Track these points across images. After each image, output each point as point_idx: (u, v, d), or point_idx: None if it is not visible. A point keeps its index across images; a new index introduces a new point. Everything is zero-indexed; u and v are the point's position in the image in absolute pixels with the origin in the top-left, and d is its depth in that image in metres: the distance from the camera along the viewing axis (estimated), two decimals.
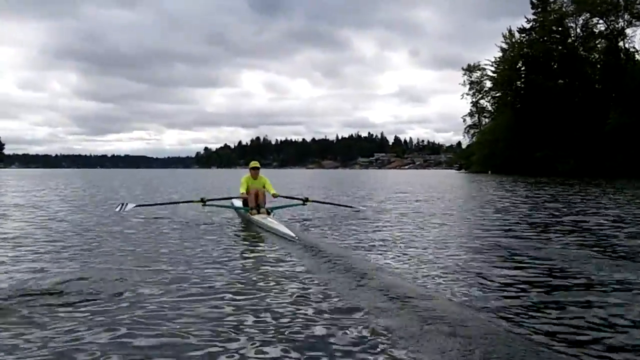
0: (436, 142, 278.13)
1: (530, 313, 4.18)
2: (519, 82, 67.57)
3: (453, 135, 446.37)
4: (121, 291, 4.71)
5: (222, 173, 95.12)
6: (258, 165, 11.38)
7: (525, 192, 22.62)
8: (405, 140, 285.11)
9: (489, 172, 58.11)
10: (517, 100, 67.01)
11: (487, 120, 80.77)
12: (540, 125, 59.38)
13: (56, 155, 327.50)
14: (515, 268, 5.99)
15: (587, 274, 5.57)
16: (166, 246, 7.50)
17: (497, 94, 74.50)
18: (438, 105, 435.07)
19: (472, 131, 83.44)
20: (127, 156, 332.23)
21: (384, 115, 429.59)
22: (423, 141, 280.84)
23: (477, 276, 5.50)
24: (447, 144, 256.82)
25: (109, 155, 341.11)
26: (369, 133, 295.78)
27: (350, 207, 13.51)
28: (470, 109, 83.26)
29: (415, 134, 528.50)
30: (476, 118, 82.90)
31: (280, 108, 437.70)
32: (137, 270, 5.69)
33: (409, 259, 6.48)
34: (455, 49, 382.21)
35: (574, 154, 55.50)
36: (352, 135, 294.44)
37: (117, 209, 12.16)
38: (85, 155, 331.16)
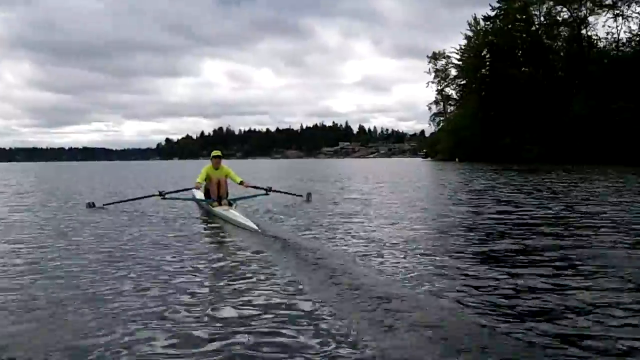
0: (400, 130, 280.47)
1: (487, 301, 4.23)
2: (484, 70, 67.72)
3: (416, 123, 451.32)
4: (76, 292, 4.60)
5: (184, 164, 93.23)
6: (220, 154, 11.14)
7: (484, 180, 22.56)
8: (369, 129, 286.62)
9: (457, 159, 58.08)
10: (482, 88, 67.20)
11: (452, 108, 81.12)
12: (505, 112, 59.70)
13: (10, 149, 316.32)
14: (476, 255, 6.12)
15: (552, 260, 5.68)
16: (123, 244, 7.21)
17: (462, 82, 74.76)
18: (401, 94, 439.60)
19: (437, 119, 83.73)
20: (85, 148, 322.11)
21: (347, 105, 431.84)
22: (387, 130, 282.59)
23: (441, 267, 5.48)
24: (411, 133, 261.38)
25: (67, 147, 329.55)
26: (334, 122, 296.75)
27: (299, 195, 13.38)
28: (436, 97, 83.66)
29: (378, 122, 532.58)
30: (441, 106, 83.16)
31: (243, 98, 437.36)
32: (92, 270, 5.52)
33: (377, 250, 6.43)
34: (418, 38, 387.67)
35: (539, 141, 55.83)
36: (316, 124, 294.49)
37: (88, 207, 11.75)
38: (42, 148, 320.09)
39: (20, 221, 10.00)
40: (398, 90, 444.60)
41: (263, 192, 11.77)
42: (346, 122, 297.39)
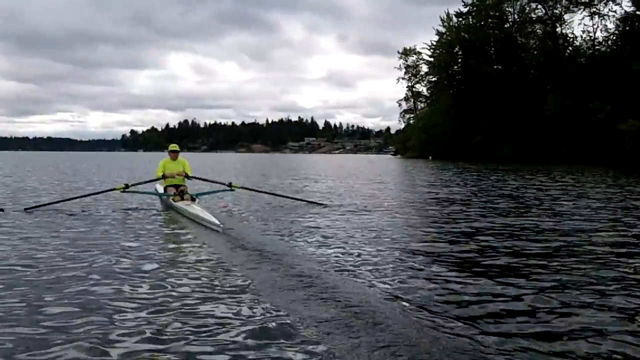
0: (365, 127, 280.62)
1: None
2: (456, 67, 66.70)
3: (381, 120, 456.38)
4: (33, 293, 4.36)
5: (149, 156, 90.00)
6: (177, 147, 11.27)
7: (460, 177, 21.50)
8: (335, 125, 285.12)
9: (430, 157, 56.61)
10: (454, 85, 66.26)
11: (422, 105, 79.97)
12: (477, 110, 58.87)
13: None
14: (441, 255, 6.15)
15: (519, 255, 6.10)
16: (82, 241, 6.86)
17: (434, 79, 73.59)
18: (366, 91, 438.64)
19: (407, 116, 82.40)
20: (49, 138, 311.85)
21: (312, 100, 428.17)
22: (353, 126, 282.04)
23: (408, 269, 5.45)
24: (376, 129, 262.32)
25: (31, 137, 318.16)
26: (299, 117, 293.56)
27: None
28: (406, 94, 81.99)
29: (344, 118, 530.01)
30: (412, 103, 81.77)
31: (208, 91, 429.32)
32: (43, 272, 5.14)
33: (341, 251, 6.39)
34: (383, 34, 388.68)
35: (513, 140, 55.08)
36: (282, 119, 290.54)
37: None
38: (5, 137, 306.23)
39: None
40: (363, 86, 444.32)
41: (226, 187, 11.48)
42: (312, 118, 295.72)
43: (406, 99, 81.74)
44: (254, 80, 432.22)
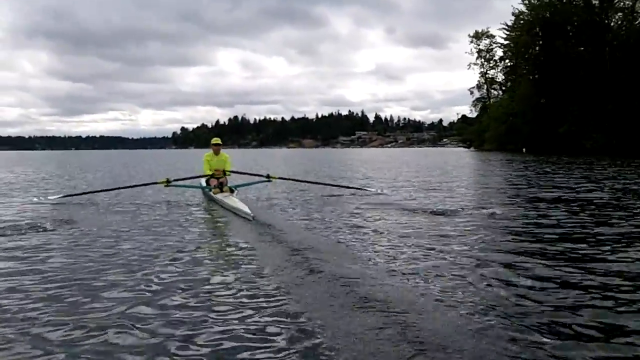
0: (415, 119, 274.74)
1: None
2: (537, 49, 60.45)
3: (430, 113, 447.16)
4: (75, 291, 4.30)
5: (200, 153, 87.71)
6: (219, 141, 11.67)
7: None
8: (385, 118, 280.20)
9: (524, 150, 50.52)
10: (534, 69, 60.19)
11: (496, 92, 73.90)
12: (564, 97, 52.71)
13: (29, 137, 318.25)
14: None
15: None
16: (122, 233, 7.14)
17: (510, 64, 67.57)
18: (414, 83, 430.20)
19: (479, 104, 76.39)
20: (102, 137, 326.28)
21: (360, 94, 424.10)
22: (405, 119, 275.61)
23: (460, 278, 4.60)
24: (427, 122, 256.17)
25: (84, 136, 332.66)
26: (349, 111, 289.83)
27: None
28: (478, 81, 76.01)
29: (392, 112, 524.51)
30: (485, 90, 75.71)
31: (256, 87, 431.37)
32: (81, 265, 5.22)
33: (385, 251, 5.71)
34: (431, 27, 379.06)
35: (606, 129, 49.02)
36: (332, 113, 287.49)
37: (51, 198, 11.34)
38: (60, 137, 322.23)
39: None
40: (411, 79, 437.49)
41: (264, 178, 11.89)
42: (362, 111, 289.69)
43: (478, 86, 75.86)
44: (302, 75, 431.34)
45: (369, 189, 12.45)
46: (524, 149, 50.89)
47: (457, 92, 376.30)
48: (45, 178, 20.64)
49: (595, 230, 6.84)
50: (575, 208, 9.15)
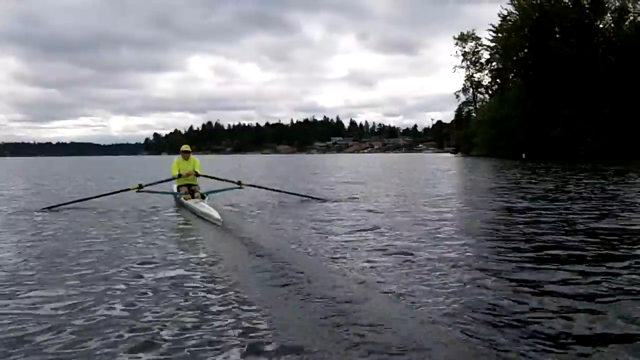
0: (389, 125, 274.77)
1: None
2: (525, 51, 58.52)
3: (403, 119, 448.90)
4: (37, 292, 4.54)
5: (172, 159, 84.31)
6: (188, 148, 12.01)
7: None
8: (360, 124, 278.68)
9: (523, 155, 48.02)
10: (524, 72, 58.24)
11: (483, 96, 71.99)
12: (555, 100, 50.72)
13: None
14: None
15: None
16: (93, 237, 7.39)
17: (497, 66, 65.66)
18: (387, 89, 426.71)
19: (465, 109, 74.41)
20: (72, 143, 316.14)
21: (334, 100, 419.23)
22: (379, 125, 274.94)
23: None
24: (401, 128, 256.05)
25: (54, 142, 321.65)
26: (325, 117, 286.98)
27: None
28: (464, 84, 73.91)
29: (366, 118, 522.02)
30: (471, 94, 73.71)
31: (229, 93, 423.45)
32: (44, 269, 5.42)
33: (355, 257, 5.81)
34: (403, 33, 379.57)
35: (601, 134, 47.24)
36: (307, 119, 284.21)
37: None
38: (29, 143, 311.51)
39: None
40: (384, 85, 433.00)
41: (236, 185, 12.12)
42: (337, 117, 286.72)
43: (464, 89, 73.76)
44: (275, 81, 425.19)
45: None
46: (523, 155, 48.48)
47: (431, 97, 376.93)
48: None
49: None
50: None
